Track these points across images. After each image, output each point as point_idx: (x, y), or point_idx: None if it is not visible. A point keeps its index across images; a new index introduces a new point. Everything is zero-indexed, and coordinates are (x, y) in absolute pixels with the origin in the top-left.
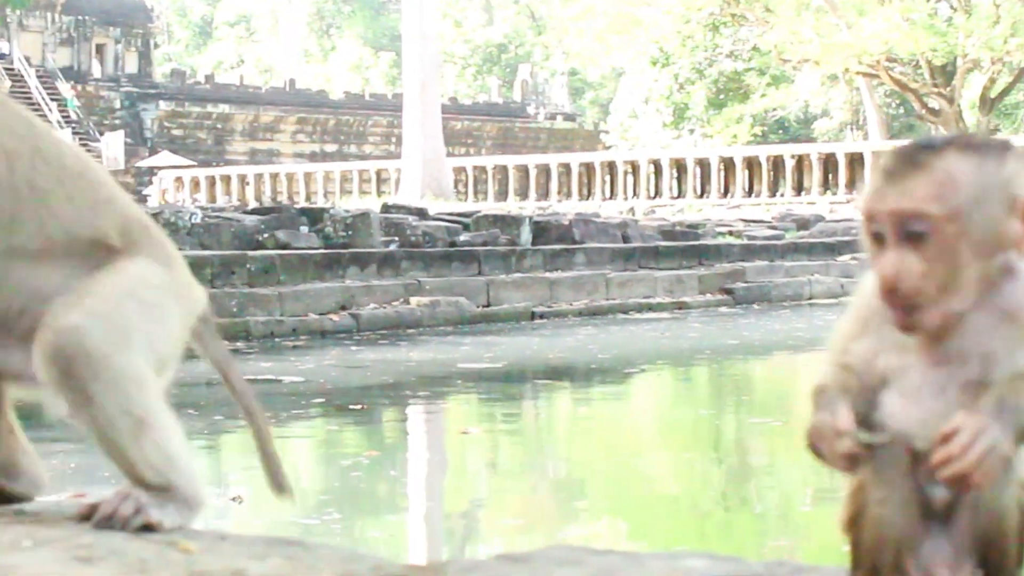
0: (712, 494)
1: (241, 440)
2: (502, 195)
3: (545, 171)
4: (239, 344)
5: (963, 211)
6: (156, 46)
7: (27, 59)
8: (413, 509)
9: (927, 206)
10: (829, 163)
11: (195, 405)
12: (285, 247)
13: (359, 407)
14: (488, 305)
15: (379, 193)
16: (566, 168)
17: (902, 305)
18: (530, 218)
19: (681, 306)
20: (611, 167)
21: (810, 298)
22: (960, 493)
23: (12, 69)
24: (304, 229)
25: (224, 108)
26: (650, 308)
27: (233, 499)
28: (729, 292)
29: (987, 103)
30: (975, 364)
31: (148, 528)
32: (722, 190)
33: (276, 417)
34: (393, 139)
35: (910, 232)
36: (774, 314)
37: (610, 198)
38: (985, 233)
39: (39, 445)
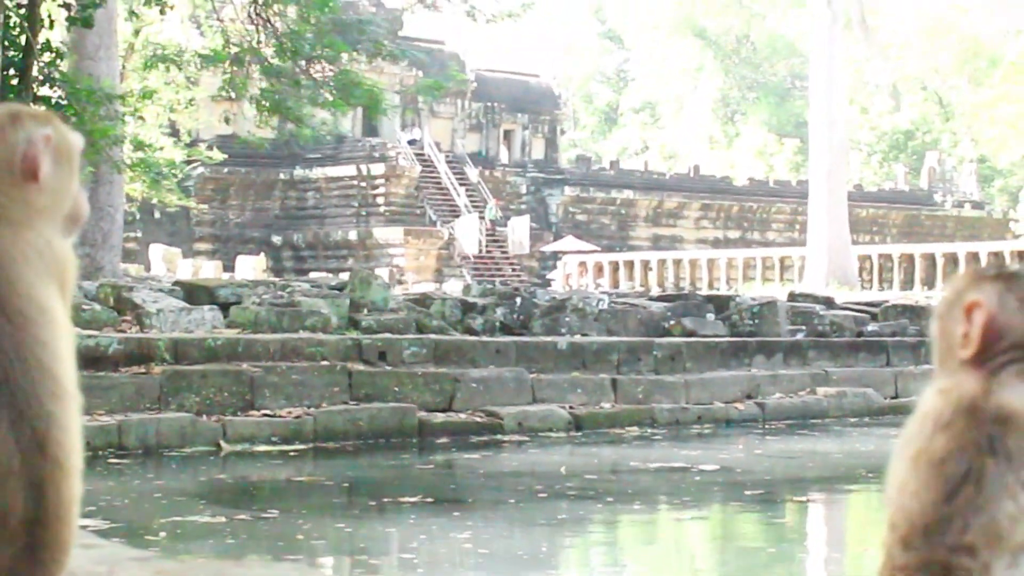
0: None
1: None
2: (908, 284)
3: (952, 260)
4: (647, 430)
5: None
6: (562, 132)
7: (437, 144)
8: None
9: None
10: None
11: (611, 492)
12: (691, 334)
13: (803, 499)
14: (896, 396)
15: (782, 280)
16: (974, 257)
17: None
18: None
19: None
20: (1022, 256)
21: None
22: None
23: (422, 154)
24: (710, 316)
25: (628, 194)
26: None
27: None
28: None
29: None
30: None
31: None
32: None
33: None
34: (797, 226)
35: None
36: None
37: None
38: None
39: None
